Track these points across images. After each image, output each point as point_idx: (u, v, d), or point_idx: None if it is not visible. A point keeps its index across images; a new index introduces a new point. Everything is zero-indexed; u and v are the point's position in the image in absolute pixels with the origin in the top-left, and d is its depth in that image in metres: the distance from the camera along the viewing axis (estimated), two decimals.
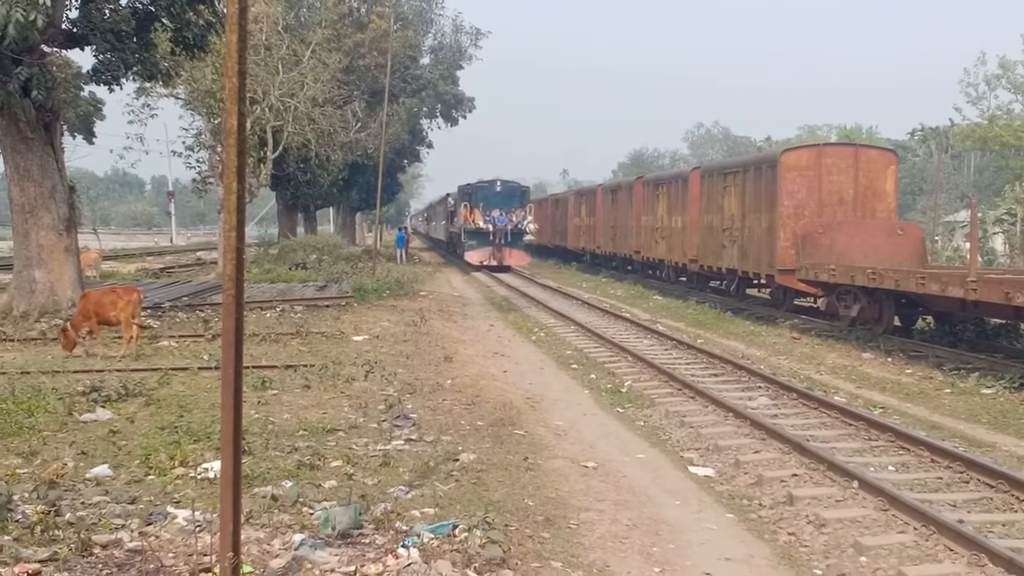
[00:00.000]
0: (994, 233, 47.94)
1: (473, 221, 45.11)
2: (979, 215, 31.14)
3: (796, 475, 9.24)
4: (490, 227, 44.31)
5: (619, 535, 7.33)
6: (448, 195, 57.13)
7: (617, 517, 7.76)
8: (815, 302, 22.86)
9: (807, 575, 6.79)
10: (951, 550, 7.14)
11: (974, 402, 13.17)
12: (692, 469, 9.67)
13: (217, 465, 6.95)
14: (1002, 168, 52.29)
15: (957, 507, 8.26)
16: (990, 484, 8.81)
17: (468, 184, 48.24)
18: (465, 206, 46.06)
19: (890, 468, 9.60)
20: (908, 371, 15.71)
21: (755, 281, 26.39)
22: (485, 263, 44.06)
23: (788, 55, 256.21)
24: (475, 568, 6.22)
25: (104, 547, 6.39)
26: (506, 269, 43.57)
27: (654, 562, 6.79)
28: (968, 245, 25.68)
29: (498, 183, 46.83)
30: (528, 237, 45.67)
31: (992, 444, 10.73)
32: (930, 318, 20.16)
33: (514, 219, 44.96)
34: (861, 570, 6.87)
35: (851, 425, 11.36)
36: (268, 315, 20.64)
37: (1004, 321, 18.19)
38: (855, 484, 8.73)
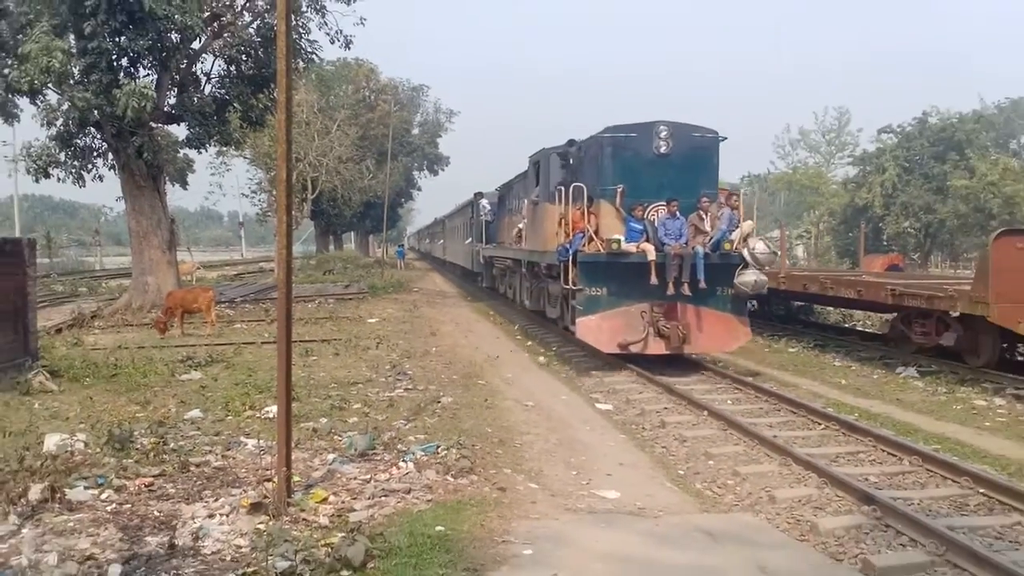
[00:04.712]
0: (797, 244, 49.13)
1: (597, 235, 10.33)
2: (786, 233, 31.60)
3: (667, 408, 9.28)
4: (647, 247, 10.12)
5: (549, 450, 7.36)
6: (479, 199, 21.38)
7: (548, 438, 7.78)
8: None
9: (673, 474, 6.87)
10: (769, 456, 7.26)
11: (784, 357, 13.38)
12: (598, 406, 9.67)
13: (275, 408, 6.89)
14: (801, 202, 53.75)
15: (773, 427, 8.38)
16: (794, 412, 8.97)
17: (571, 143, 11.54)
18: (578, 196, 10.25)
19: (728, 402, 9.70)
20: None
21: None
22: (636, 346, 10.46)
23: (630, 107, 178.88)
24: (452, 474, 6.24)
25: (198, 466, 6.35)
26: (683, 359, 11.28)
27: (572, 467, 6.84)
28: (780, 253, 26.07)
29: (661, 132, 10.19)
30: (751, 277, 10.36)
31: (796, 384, 10.89)
32: (754, 301, 20.37)
33: (708, 227, 10.49)
34: (709, 469, 6.97)
35: (703, 373, 11.46)
36: (309, 306, 20.41)
37: (802, 303, 18.57)
38: (705, 413, 8.83)
